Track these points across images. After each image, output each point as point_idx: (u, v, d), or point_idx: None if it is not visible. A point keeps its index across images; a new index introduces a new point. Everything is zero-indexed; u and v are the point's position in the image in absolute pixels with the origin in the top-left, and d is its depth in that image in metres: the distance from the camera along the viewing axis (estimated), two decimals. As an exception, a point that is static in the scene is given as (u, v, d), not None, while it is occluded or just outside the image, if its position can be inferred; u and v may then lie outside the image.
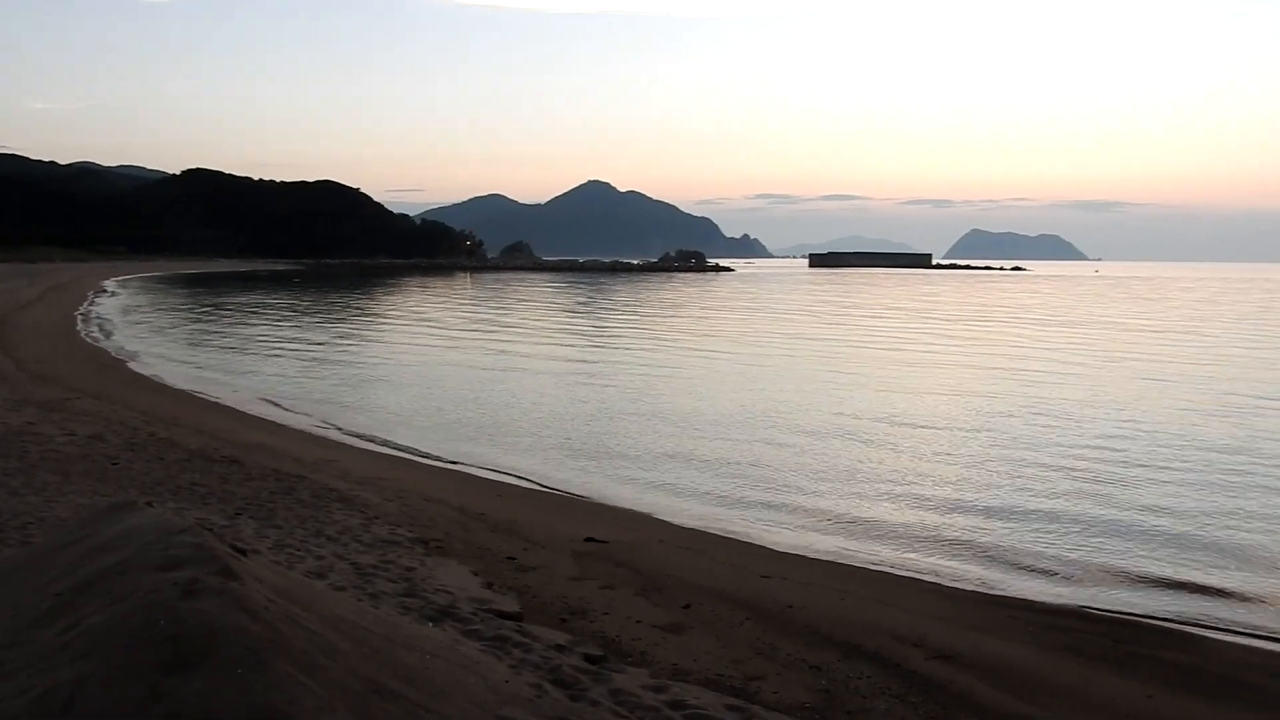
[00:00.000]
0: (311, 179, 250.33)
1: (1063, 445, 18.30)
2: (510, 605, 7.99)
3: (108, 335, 40.18)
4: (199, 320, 52.70)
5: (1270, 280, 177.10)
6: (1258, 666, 8.47)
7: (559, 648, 6.74)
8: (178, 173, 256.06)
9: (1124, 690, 7.56)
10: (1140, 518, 13.37)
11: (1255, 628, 9.58)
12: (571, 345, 39.90)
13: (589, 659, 6.64)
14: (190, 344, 38.33)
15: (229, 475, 12.45)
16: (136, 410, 18.40)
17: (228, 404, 22.72)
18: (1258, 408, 23.08)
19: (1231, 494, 14.68)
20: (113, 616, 3.66)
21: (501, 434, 19.43)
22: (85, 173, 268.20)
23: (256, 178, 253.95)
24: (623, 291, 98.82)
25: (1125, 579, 10.99)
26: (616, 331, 47.53)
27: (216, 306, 65.51)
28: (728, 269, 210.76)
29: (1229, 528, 12.91)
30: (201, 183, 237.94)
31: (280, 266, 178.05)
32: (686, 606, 8.70)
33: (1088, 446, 18.17)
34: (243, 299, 74.61)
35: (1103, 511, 13.70)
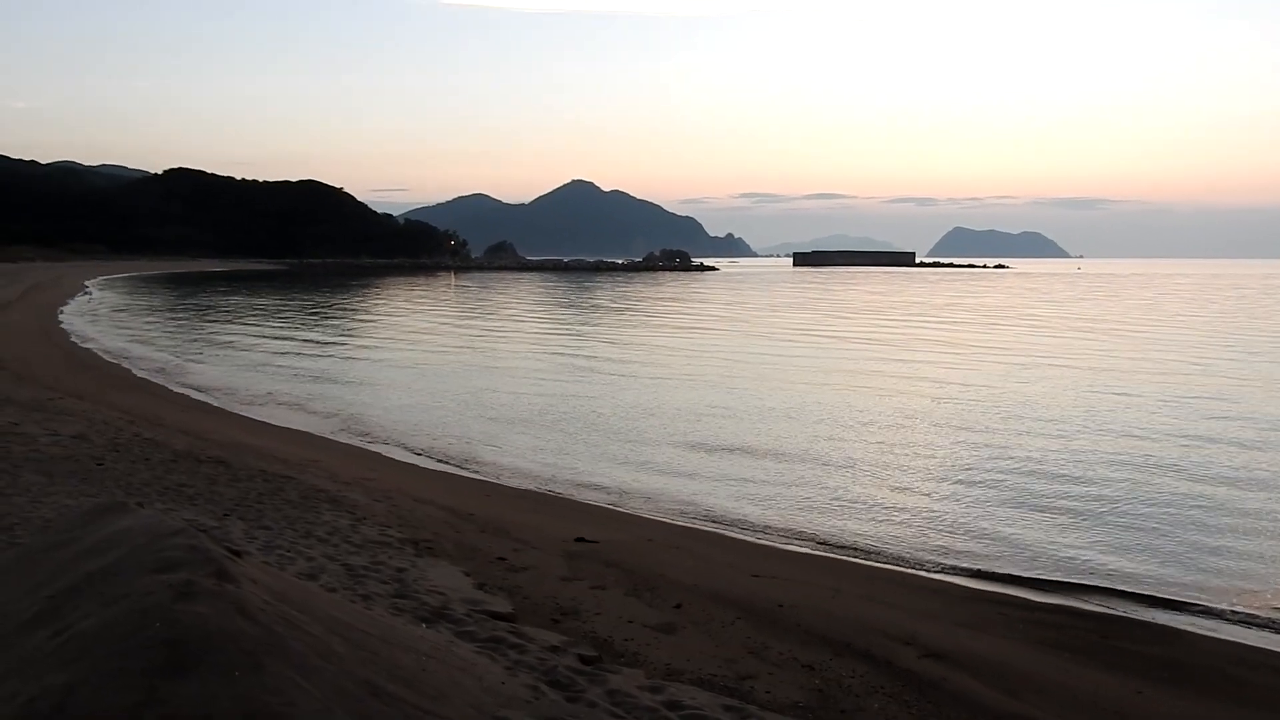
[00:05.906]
0: (294, 178, 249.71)
1: (1046, 444, 18.38)
2: (503, 606, 7.95)
3: (90, 335, 39.85)
4: (182, 320, 52.33)
5: (1242, 275, 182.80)
6: (1238, 659, 8.54)
7: (553, 649, 6.71)
8: (159, 172, 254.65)
9: (1113, 686, 7.59)
10: (1124, 516, 13.46)
11: (1236, 621, 9.69)
12: (558, 345, 39.82)
13: (583, 660, 6.61)
14: (173, 344, 38.06)
15: (216, 476, 12.34)
16: (120, 410, 18.24)
17: (213, 404, 22.57)
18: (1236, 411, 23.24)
19: (1210, 499, 14.79)
20: (105, 620, 3.60)
21: (490, 433, 19.37)
22: (66, 172, 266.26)
23: (239, 177, 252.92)
24: (608, 291, 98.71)
25: (1109, 575, 11.05)
26: (604, 330, 47.47)
27: (199, 306, 65.09)
28: (712, 268, 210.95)
29: (1205, 525, 13.02)
30: (183, 181, 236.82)
31: (262, 266, 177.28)
32: (678, 606, 8.68)
33: (1070, 447, 18.25)
34: (226, 299, 74.17)
35: (1085, 507, 13.78)
